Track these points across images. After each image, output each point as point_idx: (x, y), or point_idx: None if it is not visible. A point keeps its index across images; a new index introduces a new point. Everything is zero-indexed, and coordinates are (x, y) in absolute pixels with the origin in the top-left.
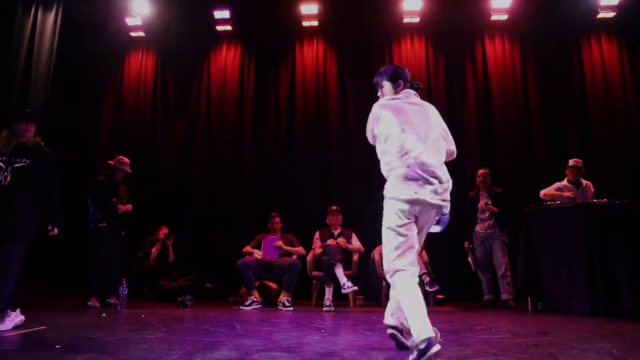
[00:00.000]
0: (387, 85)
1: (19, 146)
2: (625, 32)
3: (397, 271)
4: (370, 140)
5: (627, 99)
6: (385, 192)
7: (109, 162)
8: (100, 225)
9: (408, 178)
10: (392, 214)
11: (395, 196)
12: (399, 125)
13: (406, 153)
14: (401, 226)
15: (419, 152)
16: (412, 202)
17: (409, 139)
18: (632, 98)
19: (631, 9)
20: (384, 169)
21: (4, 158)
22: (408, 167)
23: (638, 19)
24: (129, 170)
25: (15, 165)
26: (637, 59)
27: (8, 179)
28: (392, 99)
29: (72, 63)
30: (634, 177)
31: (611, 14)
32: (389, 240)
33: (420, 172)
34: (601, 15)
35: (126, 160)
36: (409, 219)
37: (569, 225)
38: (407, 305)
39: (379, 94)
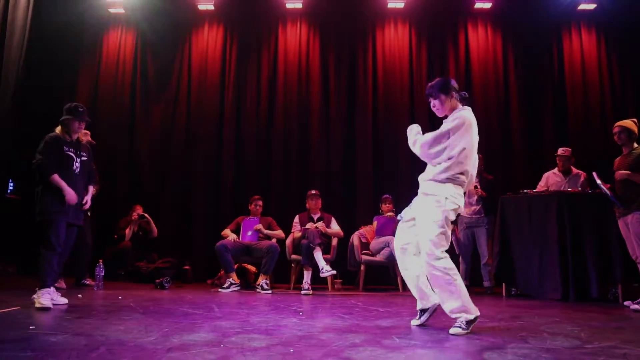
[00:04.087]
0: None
1: (77, 141)
2: (604, 25)
3: None
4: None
5: (603, 90)
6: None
7: None
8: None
9: None
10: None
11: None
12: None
13: None
14: None
15: None
16: None
17: None
18: (608, 90)
19: (611, 1)
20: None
21: (72, 150)
22: None
23: (617, 12)
24: (91, 140)
25: (82, 159)
26: (614, 51)
27: (78, 169)
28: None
29: (47, 39)
30: (606, 167)
31: (592, 6)
32: None
33: None
34: (582, 6)
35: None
36: None
37: (542, 214)
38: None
39: (434, 106)
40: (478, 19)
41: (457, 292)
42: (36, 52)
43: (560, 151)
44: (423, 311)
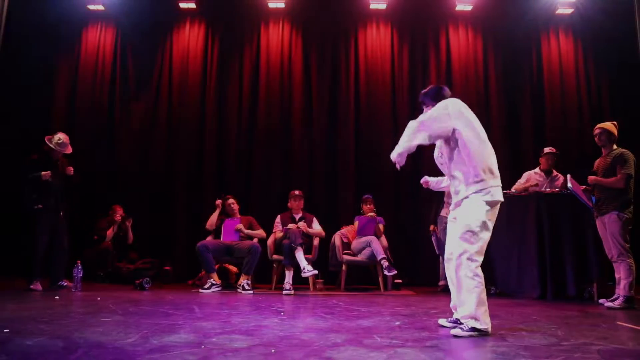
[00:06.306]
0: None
1: None
2: (581, 29)
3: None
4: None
5: (580, 93)
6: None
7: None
8: (35, 207)
9: None
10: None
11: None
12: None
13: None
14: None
15: None
16: None
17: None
18: (584, 92)
19: (588, 5)
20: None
21: None
22: None
23: (593, 17)
24: (63, 150)
25: None
26: (591, 55)
27: None
28: None
29: (23, 35)
30: (583, 168)
31: (569, 10)
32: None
33: None
34: (560, 11)
35: (62, 138)
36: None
37: (521, 214)
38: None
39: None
40: (459, 21)
41: None
42: (13, 47)
43: (547, 149)
44: None
